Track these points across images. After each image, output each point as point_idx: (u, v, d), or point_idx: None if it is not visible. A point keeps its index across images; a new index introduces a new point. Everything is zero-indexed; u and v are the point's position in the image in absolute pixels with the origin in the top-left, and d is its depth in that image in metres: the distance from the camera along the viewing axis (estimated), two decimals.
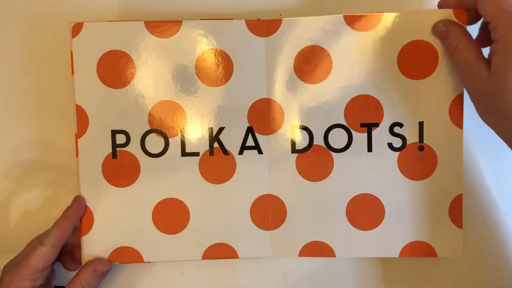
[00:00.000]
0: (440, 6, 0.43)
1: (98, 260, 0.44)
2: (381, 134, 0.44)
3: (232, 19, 0.45)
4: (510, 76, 0.36)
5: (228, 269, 0.48)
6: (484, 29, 0.42)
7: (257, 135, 0.45)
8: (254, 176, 0.45)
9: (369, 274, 0.48)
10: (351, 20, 0.44)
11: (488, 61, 0.38)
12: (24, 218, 0.48)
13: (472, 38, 0.41)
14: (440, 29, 0.42)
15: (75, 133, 0.45)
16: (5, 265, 0.43)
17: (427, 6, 0.47)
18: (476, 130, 0.47)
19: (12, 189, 0.48)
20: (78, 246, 0.45)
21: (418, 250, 0.45)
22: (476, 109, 0.41)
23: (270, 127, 0.45)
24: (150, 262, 0.46)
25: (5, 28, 0.47)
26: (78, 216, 0.44)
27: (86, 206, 0.45)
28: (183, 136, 0.45)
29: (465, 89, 0.42)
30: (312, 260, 0.48)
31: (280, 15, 0.47)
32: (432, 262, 0.48)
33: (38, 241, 0.42)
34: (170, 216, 0.45)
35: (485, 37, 0.41)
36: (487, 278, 0.48)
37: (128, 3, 0.47)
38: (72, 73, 0.44)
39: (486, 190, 0.48)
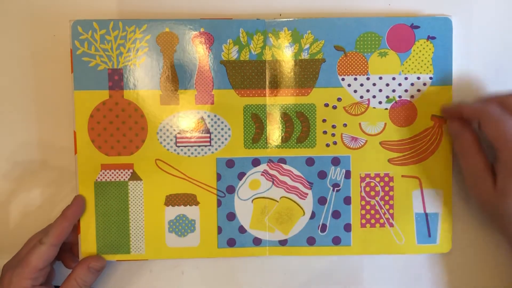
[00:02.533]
0: (444, 113, 0.45)
1: (92, 257, 0.45)
2: None
3: (231, 18, 0.45)
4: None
5: (228, 268, 0.48)
6: None
7: None
8: None
9: (361, 273, 0.48)
10: None
11: (492, 172, 0.41)
12: (24, 218, 0.48)
13: (481, 146, 0.42)
14: (455, 131, 0.43)
15: (74, 131, 0.45)
16: (5, 264, 0.43)
17: (427, 7, 0.47)
18: None
19: (12, 189, 0.48)
20: (76, 244, 0.46)
21: None
22: (478, 206, 0.45)
23: None
24: (147, 260, 0.47)
25: (5, 27, 0.47)
26: (78, 216, 0.45)
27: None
28: None
29: (469, 191, 0.43)
30: (310, 259, 0.48)
31: (280, 15, 0.47)
32: (422, 257, 0.48)
33: (37, 240, 0.42)
34: None
35: None
36: (477, 273, 0.48)
37: (128, 2, 0.47)
38: (72, 71, 0.45)
39: None
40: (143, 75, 0.45)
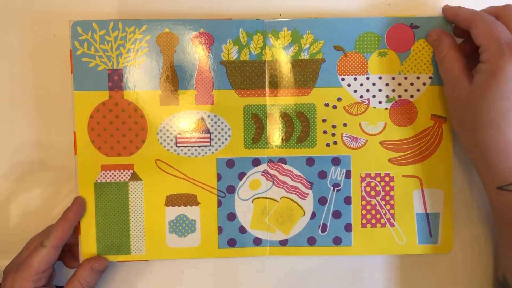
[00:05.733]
0: (444, 13, 0.45)
1: (95, 258, 0.45)
2: None
3: (231, 19, 0.45)
4: (488, 95, 0.39)
5: (228, 268, 0.48)
6: (468, 43, 0.44)
7: None
8: None
9: (362, 273, 0.48)
10: None
11: (470, 75, 0.41)
12: (24, 218, 0.48)
13: (460, 51, 0.43)
14: (433, 38, 0.45)
15: (74, 131, 0.45)
16: (6, 267, 0.43)
17: (426, 7, 0.47)
18: None
19: (12, 189, 0.48)
20: (76, 244, 0.46)
21: None
22: (450, 116, 0.44)
23: None
24: (147, 260, 0.46)
25: (5, 28, 0.47)
26: (78, 218, 0.45)
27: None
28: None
29: (445, 95, 0.44)
30: (311, 260, 0.48)
31: (280, 15, 0.47)
32: (423, 257, 0.48)
33: (38, 242, 0.42)
34: None
35: (467, 49, 0.44)
36: (477, 273, 0.48)
37: (128, 2, 0.47)
38: (71, 72, 0.45)
39: (476, 185, 0.48)
40: (143, 76, 0.45)
